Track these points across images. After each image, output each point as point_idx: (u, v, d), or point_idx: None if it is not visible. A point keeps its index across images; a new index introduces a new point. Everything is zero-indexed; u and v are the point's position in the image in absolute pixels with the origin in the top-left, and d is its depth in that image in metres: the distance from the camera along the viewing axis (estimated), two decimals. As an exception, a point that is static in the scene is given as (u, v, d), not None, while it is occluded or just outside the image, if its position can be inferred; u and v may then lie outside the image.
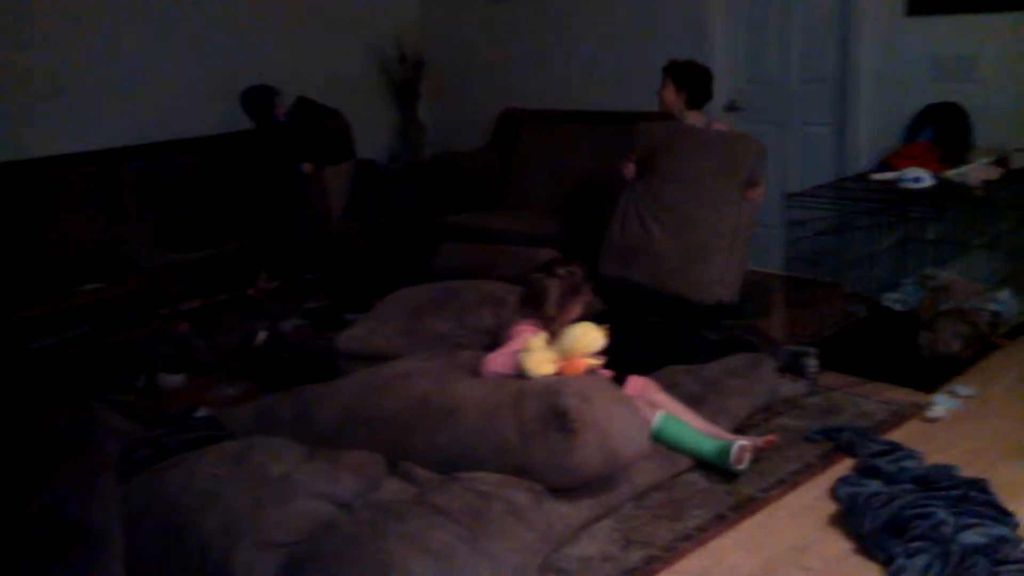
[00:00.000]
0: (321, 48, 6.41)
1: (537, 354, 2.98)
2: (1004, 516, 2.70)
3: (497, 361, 3.12)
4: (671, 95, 4.55)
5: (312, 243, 5.46)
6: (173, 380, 4.29)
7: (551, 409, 2.74)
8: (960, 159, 4.13)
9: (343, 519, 2.58)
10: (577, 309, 3.25)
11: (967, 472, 2.97)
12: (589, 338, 2.96)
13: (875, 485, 2.91)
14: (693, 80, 4.55)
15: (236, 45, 5.99)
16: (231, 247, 5.35)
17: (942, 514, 2.64)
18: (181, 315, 4.66)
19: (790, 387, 3.74)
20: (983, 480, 2.87)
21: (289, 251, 5.38)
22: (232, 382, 4.26)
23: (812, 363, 3.80)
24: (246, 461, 2.84)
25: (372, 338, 3.71)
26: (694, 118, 4.56)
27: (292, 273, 5.41)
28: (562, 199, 5.30)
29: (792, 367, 3.86)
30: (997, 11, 4.18)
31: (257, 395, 3.87)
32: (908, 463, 3.05)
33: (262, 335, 4.53)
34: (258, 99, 5.34)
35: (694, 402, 3.35)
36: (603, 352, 3.03)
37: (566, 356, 2.98)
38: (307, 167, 5.41)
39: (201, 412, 3.83)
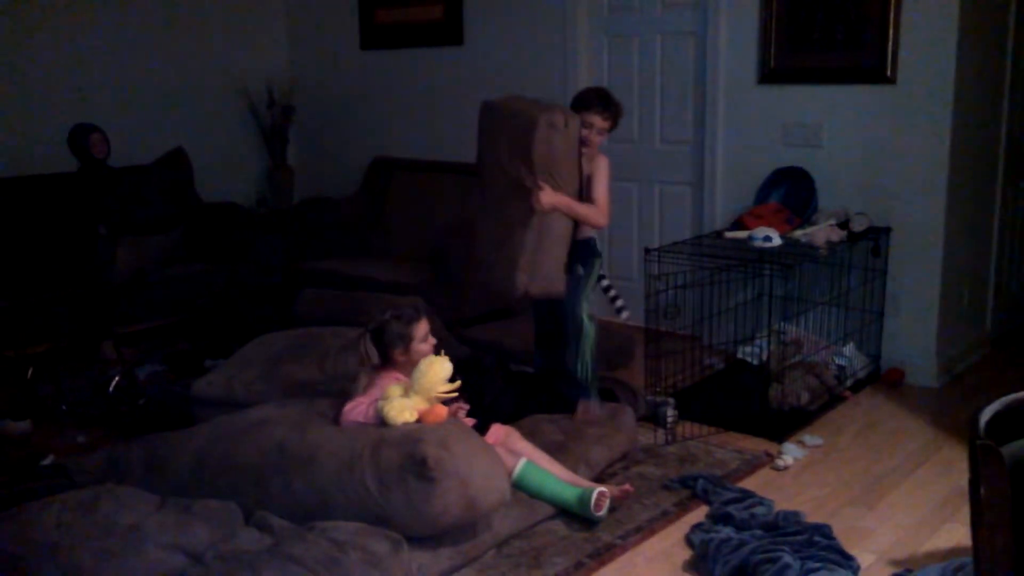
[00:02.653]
0: (189, 90, 6.31)
1: (397, 401, 2.96)
2: (846, 560, 2.83)
3: (357, 411, 3.09)
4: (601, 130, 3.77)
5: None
6: (18, 427, 4.07)
7: (410, 457, 2.73)
8: (807, 220, 4.36)
9: (193, 570, 2.50)
10: (419, 347, 3.19)
11: (812, 518, 3.11)
12: (435, 368, 2.95)
13: (726, 531, 3.00)
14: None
15: (100, 87, 5.84)
16: (82, 286, 5.13)
17: (788, 558, 2.74)
18: (27, 358, 4.44)
19: (649, 436, 3.85)
20: (826, 526, 3.00)
21: (102, 301, 5.15)
22: (82, 429, 4.07)
23: (670, 413, 3.92)
24: (93, 511, 2.73)
25: (230, 385, 3.62)
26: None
27: (104, 326, 5.14)
28: (430, 248, 5.33)
29: (651, 417, 3.97)
30: (839, 83, 4.46)
31: (109, 443, 3.72)
32: (758, 510, 3.16)
33: (115, 380, 4.36)
34: (75, 137, 5.18)
35: (555, 451, 3.38)
36: (462, 393, 3.03)
37: (420, 393, 2.97)
38: (103, 229, 5.20)
39: (48, 460, 3.68)
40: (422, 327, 3.20)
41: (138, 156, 5.74)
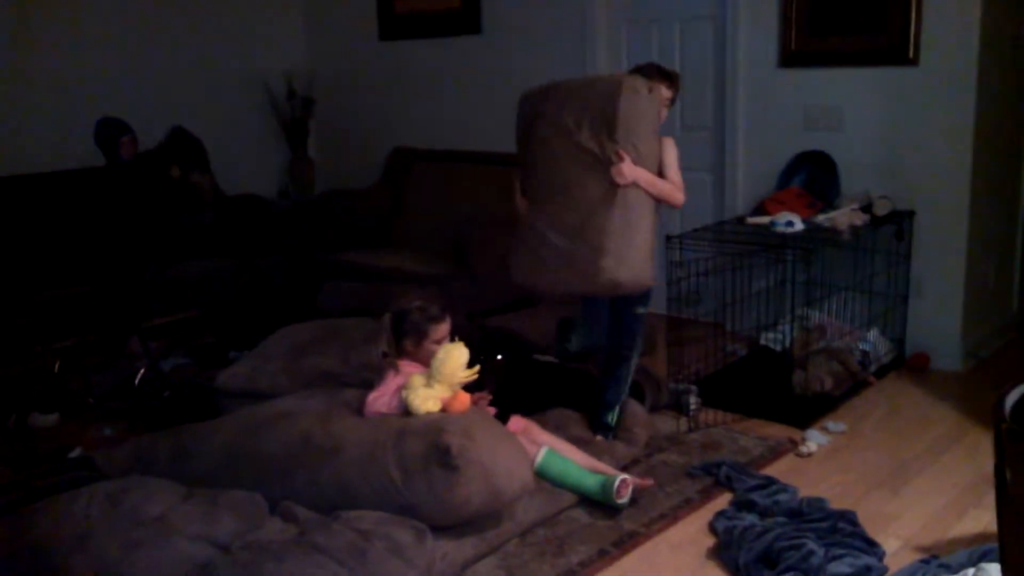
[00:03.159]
0: (209, 84, 6.34)
1: (421, 391, 2.99)
2: (870, 546, 2.82)
3: (380, 401, 3.11)
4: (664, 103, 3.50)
5: (156, 283, 5.28)
6: (46, 420, 4.13)
7: (433, 446, 2.74)
8: (829, 205, 4.33)
9: (220, 560, 2.53)
10: (430, 346, 3.23)
11: (837, 504, 3.09)
12: (454, 355, 2.98)
13: (750, 518, 2.99)
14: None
15: (121, 81, 5.87)
16: (109, 283, 5.18)
17: (812, 545, 2.73)
18: (54, 353, 4.49)
19: (672, 424, 3.84)
20: (851, 512, 2.99)
21: (129, 297, 5.20)
22: (109, 422, 4.12)
23: (693, 401, 3.91)
24: (120, 502, 2.77)
25: (254, 376, 3.64)
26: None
27: (131, 322, 5.18)
28: (451, 238, 5.33)
29: (674, 404, 3.97)
30: (860, 66, 4.42)
31: (135, 435, 3.76)
32: (782, 496, 3.15)
33: (141, 373, 4.40)
34: (104, 134, 5.21)
35: (580, 445, 3.39)
36: (483, 384, 3.05)
37: (442, 381, 2.99)
38: (174, 171, 5.29)
39: (75, 453, 3.72)
40: (441, 329, 3.24)
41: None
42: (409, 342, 3.23)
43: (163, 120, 5.60)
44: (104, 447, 3.71)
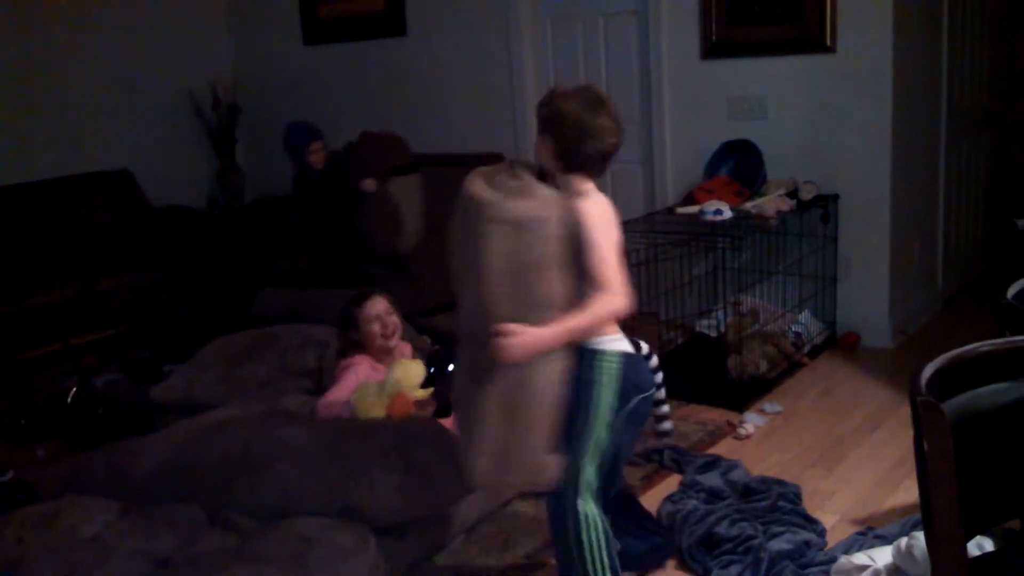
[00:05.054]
0: (132, 95, 6.22)
1: (369, 398, 2.99)
2: (809, 523, 2.88)
3: (335, 408, 3.09)
4: (543, 151, 2.31)
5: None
6: (-26, 444, 4.04)
7: (375, 448, 2.74)
8: (756, 192, 4.41)
9: (160, 575, 2.49)
10: (368, 327, 3.26)
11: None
12: (411, 373, 2.99)
13: (694, 503, 3.03)
14: (566, 130, 2.25)
15: (41, 88, 5.75)
16: (45, 300, 5.07)
17: (751, 525, 2.78)
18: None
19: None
20: (792, 491, 3.05)
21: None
22: (42, 442, 4.03)
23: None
24: (55, 524, 2.71)
25: (189, 388, 3.60)
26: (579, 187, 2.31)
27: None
28: (386, 241, 5.30)
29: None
30: (780, 55, 4.50)
31: (69, 454, 3.69)
32: (734, 474, 3.20)
33: (73, 391, 4.32)
34: (293, 139, 5.04)
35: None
36: (428, 384, 3.05)
37: (392, 394, 2.99)
38: (368, 184, 4.93)
39: (7, 476, 3.64)
40: (369, 308, 3.27)
41: (82, 163, 5.67)
42: (353, 333, 3.29)
43: (87, 132, 5.50)
44: (38, 468, 3.63)
